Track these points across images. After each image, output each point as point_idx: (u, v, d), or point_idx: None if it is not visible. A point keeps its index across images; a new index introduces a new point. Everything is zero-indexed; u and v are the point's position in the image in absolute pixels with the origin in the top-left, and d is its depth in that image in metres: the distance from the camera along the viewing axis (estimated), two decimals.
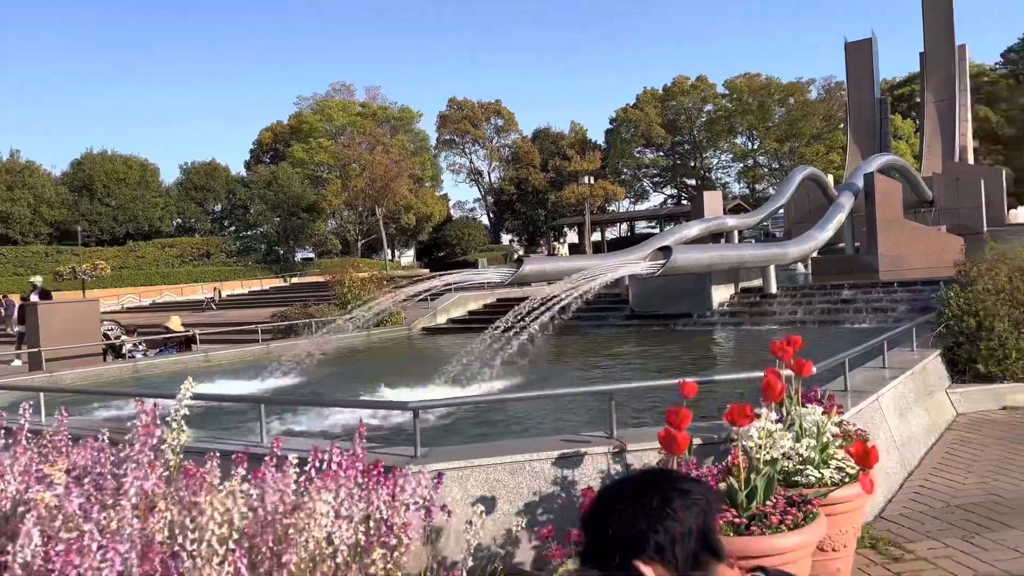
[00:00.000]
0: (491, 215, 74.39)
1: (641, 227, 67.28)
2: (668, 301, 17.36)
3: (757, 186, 63.70)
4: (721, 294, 17.32)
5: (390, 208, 59.31)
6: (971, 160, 35.07)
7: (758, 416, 3.96)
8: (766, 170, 64.06)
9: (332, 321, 15.87)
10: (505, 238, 74.30)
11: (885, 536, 4.79)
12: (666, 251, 13.56)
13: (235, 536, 2.30)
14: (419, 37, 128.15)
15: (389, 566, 2.56)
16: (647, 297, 17.75)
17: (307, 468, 2.81)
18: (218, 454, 2.73)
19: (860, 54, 37.51)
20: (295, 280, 53.32)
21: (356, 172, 58.87)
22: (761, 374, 4.32)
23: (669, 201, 71.57)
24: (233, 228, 67.49)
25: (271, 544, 2.42)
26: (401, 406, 4.65)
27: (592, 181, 54.33)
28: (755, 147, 63.77)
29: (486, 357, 9.87)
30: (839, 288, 16.63)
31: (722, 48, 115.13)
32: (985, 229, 28.37)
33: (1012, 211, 33.45)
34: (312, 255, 67.98)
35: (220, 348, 16.65)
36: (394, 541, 2.60)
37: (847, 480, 3.83)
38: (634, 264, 13.19)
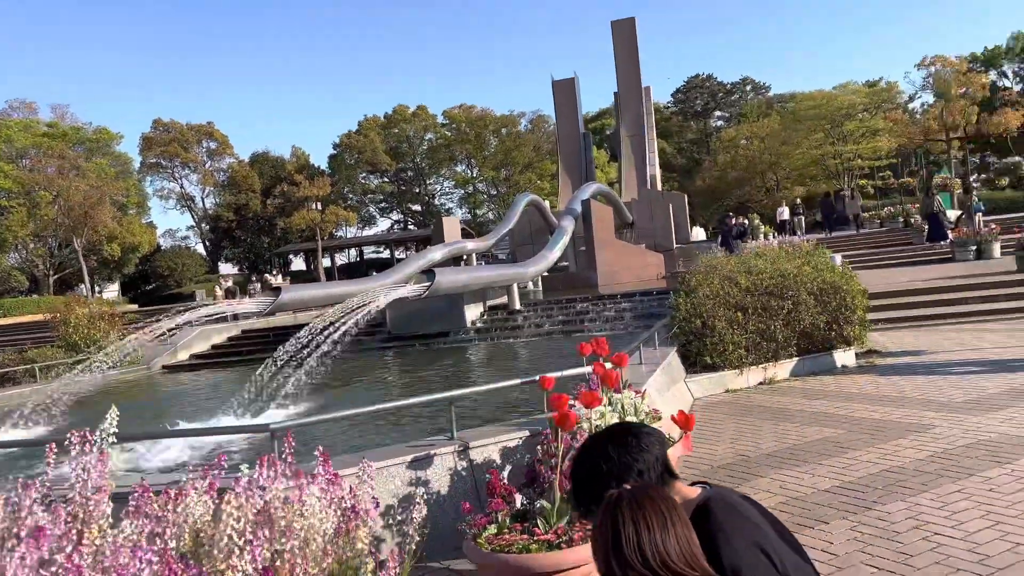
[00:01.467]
0: (207, 243, 70.17)
1: (370, 252, 67.75)
2: (425, 322, 18.13)
3: (478, 211, 67.28)
4: (472, 312, 18.48)
5: (90, 239, 53.56)
6: (659, 187, 40.47)
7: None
8: (485, 196, 67.94)
9: (66, 363, 14.37)
10: (224, 267, 70.51)
11: None
12: (429, 274, 14.31)
13: (250, 529, 2.57)
14: (115, 52, 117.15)
15: (364, 544, 2.96)
16: (404, 319, 18.37)
17: (260, 474, 3.08)
18: (191, 474, 2.92)
19: (565, 92, 41.66)
20: None
21: (47, 199, 52.37)
22: (586, 369, 5.16)
23: (396, 227, 72.87)
24: None
25: (267, 535, 2.71)
26: (261, 428, 4.81)
27: (321, 207, 53.72)
28: (474, 175, 67.38)
29: (271, 388, 9.82)
30: (573, 302, 18.56)
31: (440, 79, 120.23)
32: (675, 246, 33.04)
33: (694, 229, 39.16)
34: None
35: None
36: (363, 524, 2.99)
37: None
38: (402, 287, 13.75)
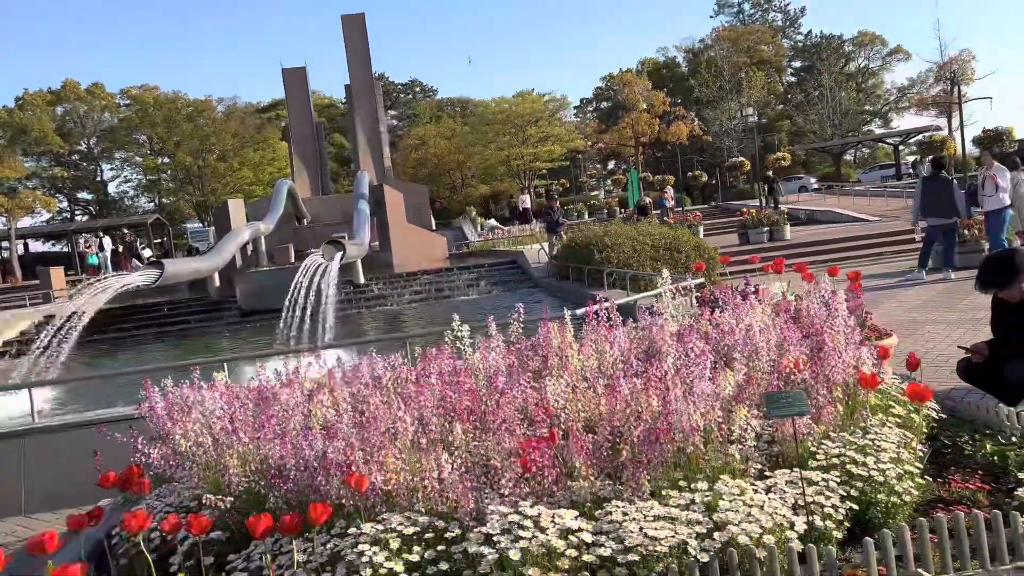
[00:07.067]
0: None
1: (37, 246, 58.91)
2: (276, 296, 18.45)
3: (164, 200, 62.41)
4: None
5: None
6: (393, 178, 42.51)
7: None
8: (172, 184, 63.12)
9: None
10: None
11: None
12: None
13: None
14: None
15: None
16: (255, 295, 18.50)
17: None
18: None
19: (296, 80, 41.62)
20: None
21: None
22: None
23: (63, 215, 64.22)
24: None
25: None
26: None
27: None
28: (163, 161, 62.38)
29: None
30: (414, 276, 20.26)
31: (118, 58, 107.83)
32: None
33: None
34: None
35: None
36: None
37: None
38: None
